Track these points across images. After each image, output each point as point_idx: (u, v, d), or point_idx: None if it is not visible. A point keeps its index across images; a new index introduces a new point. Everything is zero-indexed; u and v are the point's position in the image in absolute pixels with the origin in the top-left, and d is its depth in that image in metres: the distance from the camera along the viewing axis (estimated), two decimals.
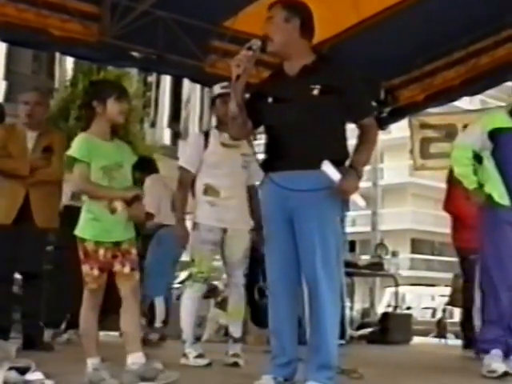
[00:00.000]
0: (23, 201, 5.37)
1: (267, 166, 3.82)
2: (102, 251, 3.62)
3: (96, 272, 3.61)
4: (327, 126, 3.65)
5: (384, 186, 35.36)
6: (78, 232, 3.64)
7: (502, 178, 4.77)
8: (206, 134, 5.25)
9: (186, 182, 5.21)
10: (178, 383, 3.74)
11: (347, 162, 3.71)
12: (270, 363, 3.76)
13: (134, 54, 7.41)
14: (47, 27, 6.76)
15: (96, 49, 7.20)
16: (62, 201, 6.20)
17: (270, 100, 3.73)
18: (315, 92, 3.62)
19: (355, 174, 3.61)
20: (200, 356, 5.04)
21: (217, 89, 5.34)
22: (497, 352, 4.52)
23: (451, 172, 6.92)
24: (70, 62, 12.66)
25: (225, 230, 5.07)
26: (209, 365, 4.98)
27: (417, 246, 40.68)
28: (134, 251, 3.72)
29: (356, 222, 26.75)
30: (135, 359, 3.56)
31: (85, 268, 3.62)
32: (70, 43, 7.02)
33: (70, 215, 6.02)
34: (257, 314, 7.49)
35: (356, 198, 3.64)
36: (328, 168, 3.52)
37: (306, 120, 3.64)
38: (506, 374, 4.34)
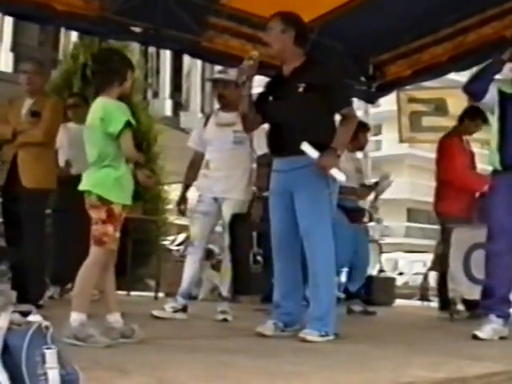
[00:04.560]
0: (12, 162, 5.52)
1: (271, 151, 4.58)
2: (124, 214, 3.70)
3: (118, 234, 3.66)
4: (312, 118, 4.24)
5: (382, 156, 35.24)
6: (104, 194, 3.62)
7: (503, 141, 4.75)
8: (208, 116, 5.78)
9: (194, 159, 5.76)
10: (170, 335, 4.10)
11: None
12: (273, 311, 4.46)
13: (134, 28, 7.54)
14: (51, 2, 6.87)
15: (97, 23, 7.28)
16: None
17: (270, 98, 4.42)
18: (300, 89, 4.25)
19: (332, 152, 4.16)
20: (181, 310, 5.47)
21: (215, 74, 6.01)
22: (491, 317, 4.65)
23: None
24: (74, 35, 12.64)
25: (216, 199, 5.52)
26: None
27: (412, 215, 41.17)
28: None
29: None
30: (116, 318, 3.72)
31: (108, 229, 3.61)
32: (72, 18, 7.13)
33: (68, 181, 6.43)
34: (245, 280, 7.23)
35: (334, 173, 4.13)
36: (306, 147, 4.10)
37: (293, 114, 4.27)
38: (474, 336, 4.56)
